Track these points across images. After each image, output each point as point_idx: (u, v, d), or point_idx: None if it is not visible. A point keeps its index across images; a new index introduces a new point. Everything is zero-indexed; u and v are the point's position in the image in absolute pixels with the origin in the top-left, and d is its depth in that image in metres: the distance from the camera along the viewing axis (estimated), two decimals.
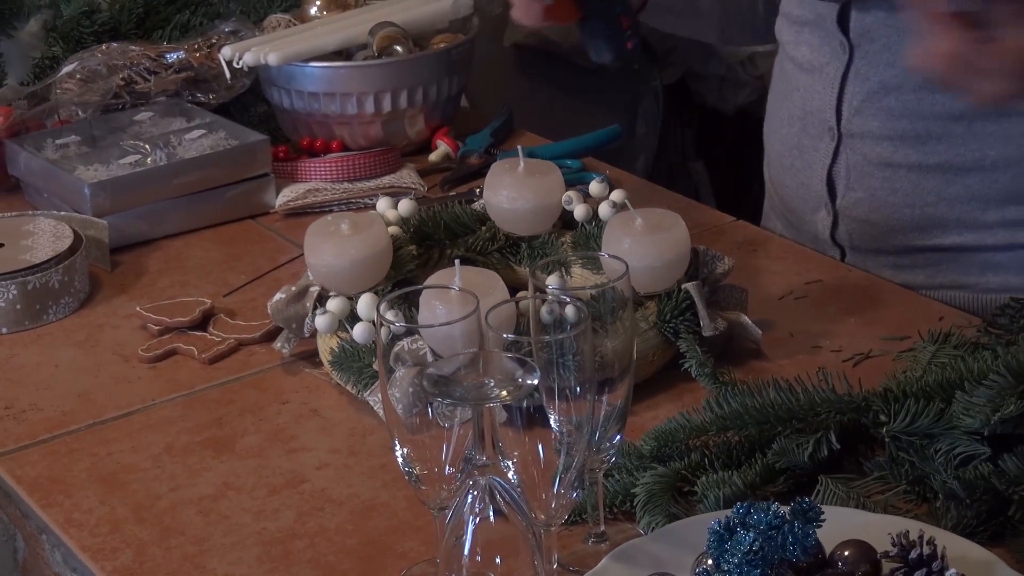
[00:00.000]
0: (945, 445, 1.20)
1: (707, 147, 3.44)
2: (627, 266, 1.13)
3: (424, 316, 1.28)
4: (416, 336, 1.37)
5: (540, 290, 1.15)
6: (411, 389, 1.10)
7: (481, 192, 1.84)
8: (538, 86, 3.20)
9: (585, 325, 1.05)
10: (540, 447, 1.06)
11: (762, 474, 1.21)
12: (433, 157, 1.97)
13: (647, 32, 1.68)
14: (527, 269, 1.56)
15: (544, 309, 1.42)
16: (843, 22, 1.64)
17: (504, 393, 0.99)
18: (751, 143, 3.44)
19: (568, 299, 1.08)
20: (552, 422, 1.07)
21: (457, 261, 1.35)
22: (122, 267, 1.72)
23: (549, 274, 1.47)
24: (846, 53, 1.64)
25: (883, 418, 1.23)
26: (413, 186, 1.87)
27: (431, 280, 1.37)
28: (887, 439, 1.22)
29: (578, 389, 1.06)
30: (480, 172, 1.92)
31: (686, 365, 1.36)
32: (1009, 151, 1.58)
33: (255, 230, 1.81)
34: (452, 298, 1.28)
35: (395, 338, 1.10)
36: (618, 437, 1.15)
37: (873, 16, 1.61)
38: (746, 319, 1.44)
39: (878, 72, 1.62)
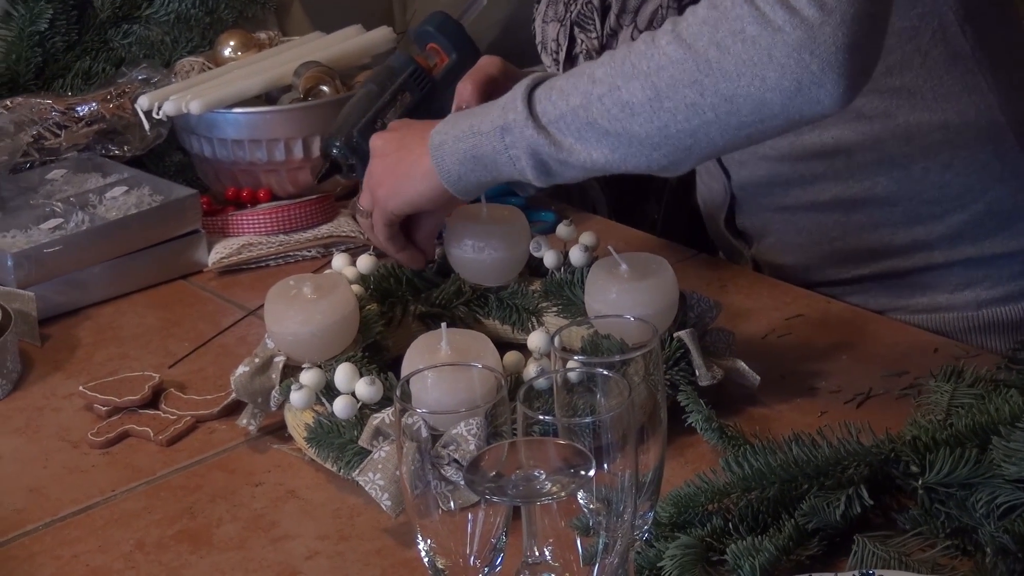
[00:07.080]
0: (986, 495, 1.13)
1: None
2: (655, 329, 1.06)
3: (416, 388, 1.18)
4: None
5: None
6: (414, 467, 1.02)
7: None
8: None
9: (625, 400, 0.96)
10: (575, 532, 0.98)
11: (793, 537, 1.14)
12: None
13: None
14: (495, 322, 1.48)
15: (532, 368, 1.35)
16: None
17: (557, 488, 0.90)
18: None
19: (606, 372, 1.00)
20: (580, 497, 0.99)
21: (444, 325, 1.27)
22: (52, 341, 1.60)
23: (532, 331, 1.39)
24: None
25: (915, 469, 1.16)
26: (352, 235, 1.77)
27: (415, 346, 1.28)
28: (921, 491, 1.16)
29: (606, 466, 0.98)
30: None
31: (690, 420, 1.28)
32: (895, 178, 1.54)
33: (189, 291, 1.70)
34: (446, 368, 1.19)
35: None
36: (651, 514, 1.08)
37: None
38: (743, 365, 1.37)
39: None
